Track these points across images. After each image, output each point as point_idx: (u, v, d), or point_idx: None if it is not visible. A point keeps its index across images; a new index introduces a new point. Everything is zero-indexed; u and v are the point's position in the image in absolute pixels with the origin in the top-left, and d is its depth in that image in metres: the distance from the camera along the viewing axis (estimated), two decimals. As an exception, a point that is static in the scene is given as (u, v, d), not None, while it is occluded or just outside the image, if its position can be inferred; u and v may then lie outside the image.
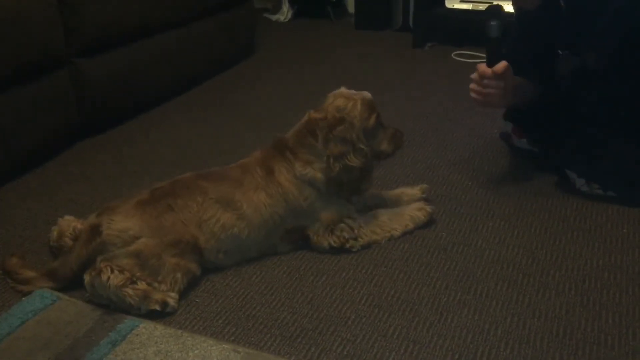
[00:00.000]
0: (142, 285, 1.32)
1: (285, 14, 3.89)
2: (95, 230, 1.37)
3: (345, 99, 1.49)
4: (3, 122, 1.85)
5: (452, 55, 3.09)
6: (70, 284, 1.40)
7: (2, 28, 1.79)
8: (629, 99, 1.66)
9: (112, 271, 1.31)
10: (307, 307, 1.36)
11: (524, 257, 1.51)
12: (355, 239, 1.52)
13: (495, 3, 1.67)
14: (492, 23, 1.63)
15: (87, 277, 1.33)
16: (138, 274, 1.33)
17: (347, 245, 1.52)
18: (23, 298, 1.37)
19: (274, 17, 3.91)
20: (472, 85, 1.67)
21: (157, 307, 1.32)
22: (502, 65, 1.60)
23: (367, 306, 1.36)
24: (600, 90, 1.68)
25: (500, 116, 1.99)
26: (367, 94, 1.53)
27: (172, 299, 1.34)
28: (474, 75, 1.66)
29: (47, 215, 1.72)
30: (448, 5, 3.17)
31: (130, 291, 1.31)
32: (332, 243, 1.51)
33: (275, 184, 1.48)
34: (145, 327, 1.28)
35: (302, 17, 3.92)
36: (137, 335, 1.26)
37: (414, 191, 1.72)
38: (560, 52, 1.72)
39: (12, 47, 1.83)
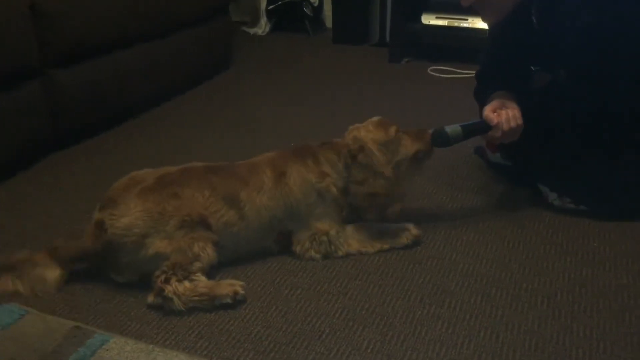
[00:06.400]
0: (203, 285, 1.38)
1: (263, 27, 3.90)
2: (100, 226, 1.41)
3: (357, 129, 1.59)
4: (-26, 132, 1.83)
5: (428, 70, 3.12)
6: (40, 299, 1.39)
7: (-26, 38, 1.77)
8: (598, 114, 1.69)
9: (171, 296, 1.36)
10: (281, 320, 1.35)
11: (498, 271, 1.52)
12: (336, 251, 1.58)
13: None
14: (446, 130, 1.62)
15: (151, 299, 1.38)
16: (179, 269, 1.37)
17: (328, 255, 1.57)
18: (-10, 312, 1.34)
19: (251, 31, 3.91)
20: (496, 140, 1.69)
21: (229, 300, 1.38)
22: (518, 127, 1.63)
23: (341, 320, 1.35)
24: (571, 106, 1.71)
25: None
26: (375, 118, 1.62)
27: (240, 287, 1.40)
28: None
29: (19, 228, 1.70)
30: (424, 21, 3.20)
31: (197, 298, 1.37)
32: (314, 256, 1.56)
33: (281, 186, 1.53)
34: (116, 342, 1.26)
35: (279, 30, 3.93)
36: (107, 350, 1.24)
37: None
38: (532, 67, 1.75)
39: (-17, 57, 1.81)
